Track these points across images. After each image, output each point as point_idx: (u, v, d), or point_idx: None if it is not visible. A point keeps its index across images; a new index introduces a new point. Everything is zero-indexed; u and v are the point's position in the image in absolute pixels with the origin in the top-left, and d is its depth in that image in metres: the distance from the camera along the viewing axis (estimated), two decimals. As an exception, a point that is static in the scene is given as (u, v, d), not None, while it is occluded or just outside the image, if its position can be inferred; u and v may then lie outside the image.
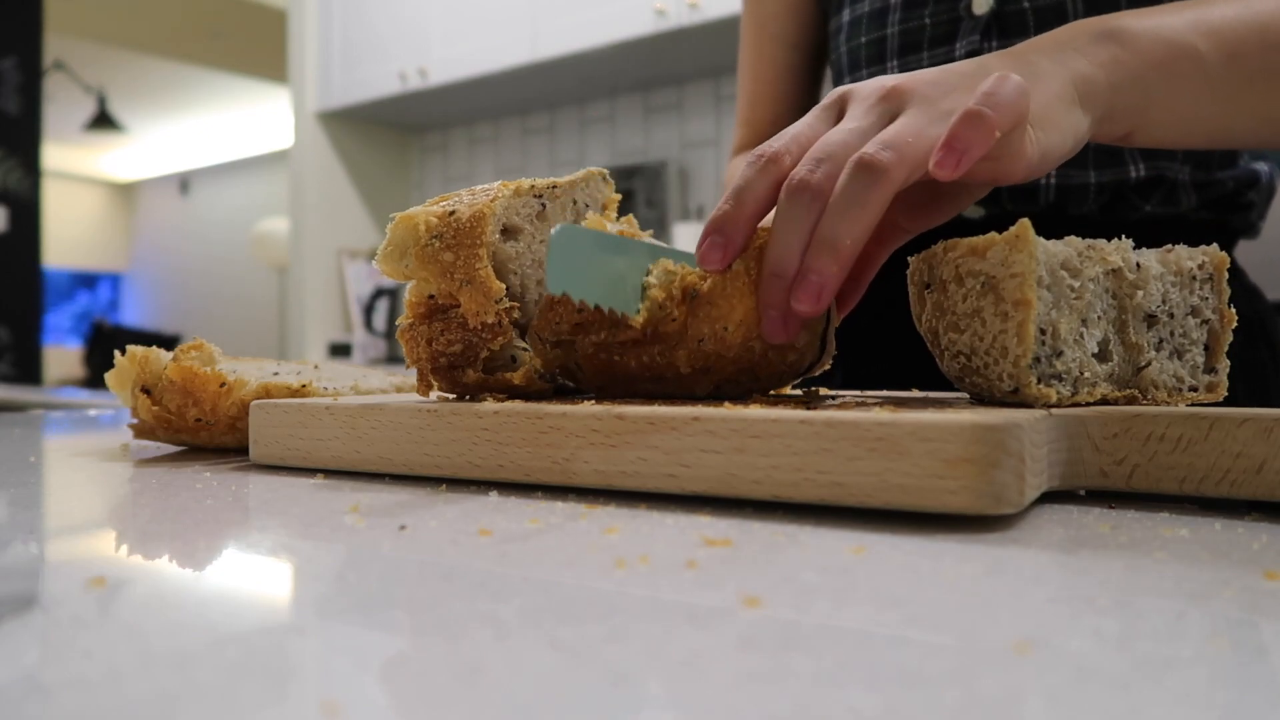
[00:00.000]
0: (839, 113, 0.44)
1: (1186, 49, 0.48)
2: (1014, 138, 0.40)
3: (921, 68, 0.73)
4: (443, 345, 0.46)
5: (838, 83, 0.84)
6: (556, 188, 0.50)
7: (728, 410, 0.35)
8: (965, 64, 0.44)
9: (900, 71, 0.74)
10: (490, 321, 0.44)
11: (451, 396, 0.48)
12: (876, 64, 0.77)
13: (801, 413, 0.33)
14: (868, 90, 0.43)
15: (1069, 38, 0.47)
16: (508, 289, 0.46)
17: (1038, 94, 0.43)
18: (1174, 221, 0.72)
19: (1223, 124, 0.52)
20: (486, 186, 0.47)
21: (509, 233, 0.47)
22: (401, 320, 0.48)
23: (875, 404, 0.39)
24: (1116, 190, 0.71)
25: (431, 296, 0.46)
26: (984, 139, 0.38)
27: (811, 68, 0.90)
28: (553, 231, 0.39)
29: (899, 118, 0.41)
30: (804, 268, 0.39)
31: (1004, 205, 0.73)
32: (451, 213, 0.46)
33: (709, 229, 0.41)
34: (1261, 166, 0.74)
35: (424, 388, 0.48)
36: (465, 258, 0.44)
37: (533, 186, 0.48)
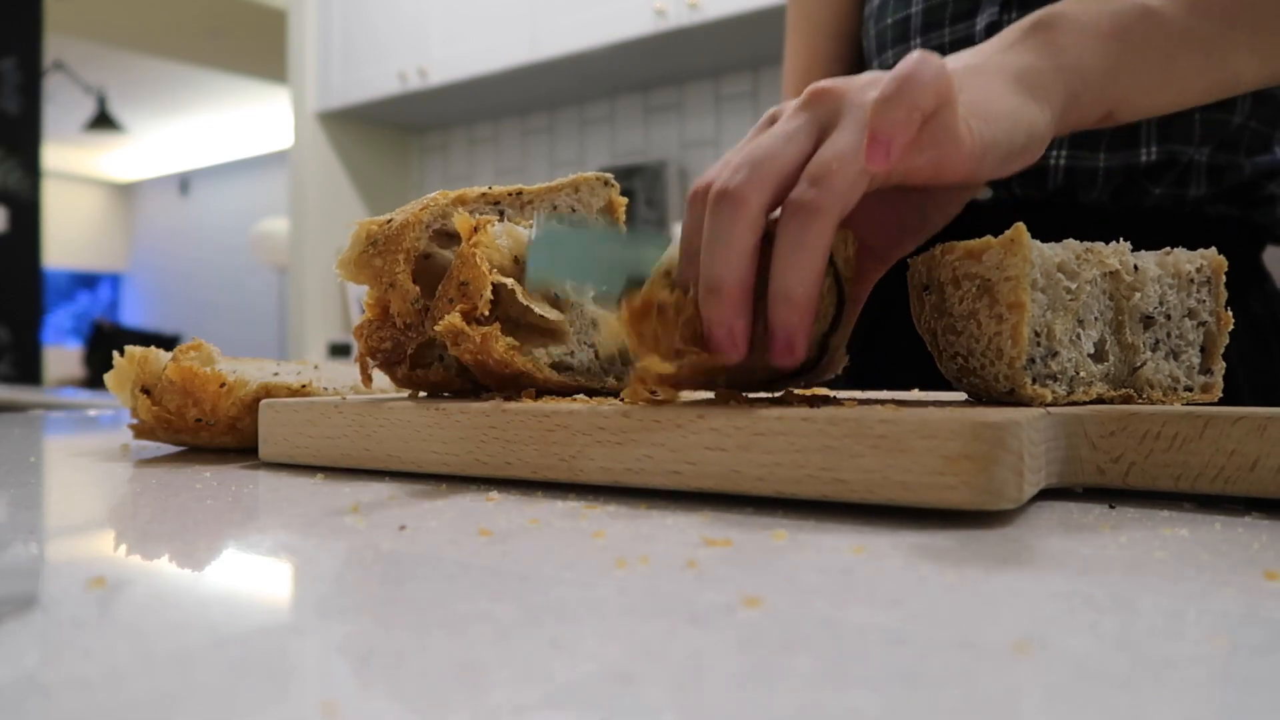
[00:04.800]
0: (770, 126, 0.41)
1: (1135, 10, 0.46)
2: (944, 121, 0.37)
3: (943, 44, 0.74)
4: (375, 342, 0.49)
5: (868, 67, 0.83)
6: (523, 194, 0.51)
7: (733, 408, 0.35)
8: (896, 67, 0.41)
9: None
10: (411, 322, 0.47)
11: (411, 393, 0.51)
12: (900, 43, 0.77)
13: (805, 410, 0.34)
14: (795, 100, 0.40)
15: (1002, 38, 0.45)
16: None
17: (975, 87, 0.41)
18: (1191, 217, 0.70)
19: (1216, 75, 0.48)
20: (433, 195, 0.49)
21: (451, 239, 0.49)
22: (361, 318, 0.51)
23: (877, 403, 0.39)
24: (1127, 174, 0.69)
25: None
26: (905, 120, 0.35)
27: (857, 59, 0.88)
28: (535, 223, 0.42)
29: (830, 133, 0.38)
30: (770, 325, 0.37)
31: (1013, 189, 0.72)
32: (389, 220, 0.49)
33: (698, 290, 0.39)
34: None
35: (365, 380, 0.51)
36: (389, 263, 0.47)
37: (484, 195, 0.50)
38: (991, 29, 0.70)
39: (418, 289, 0.47)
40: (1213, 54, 0.48)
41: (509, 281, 0.44)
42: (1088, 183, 0.70)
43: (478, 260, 0.44)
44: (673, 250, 0.41)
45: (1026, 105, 0.42)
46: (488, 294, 0.43)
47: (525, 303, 0.45)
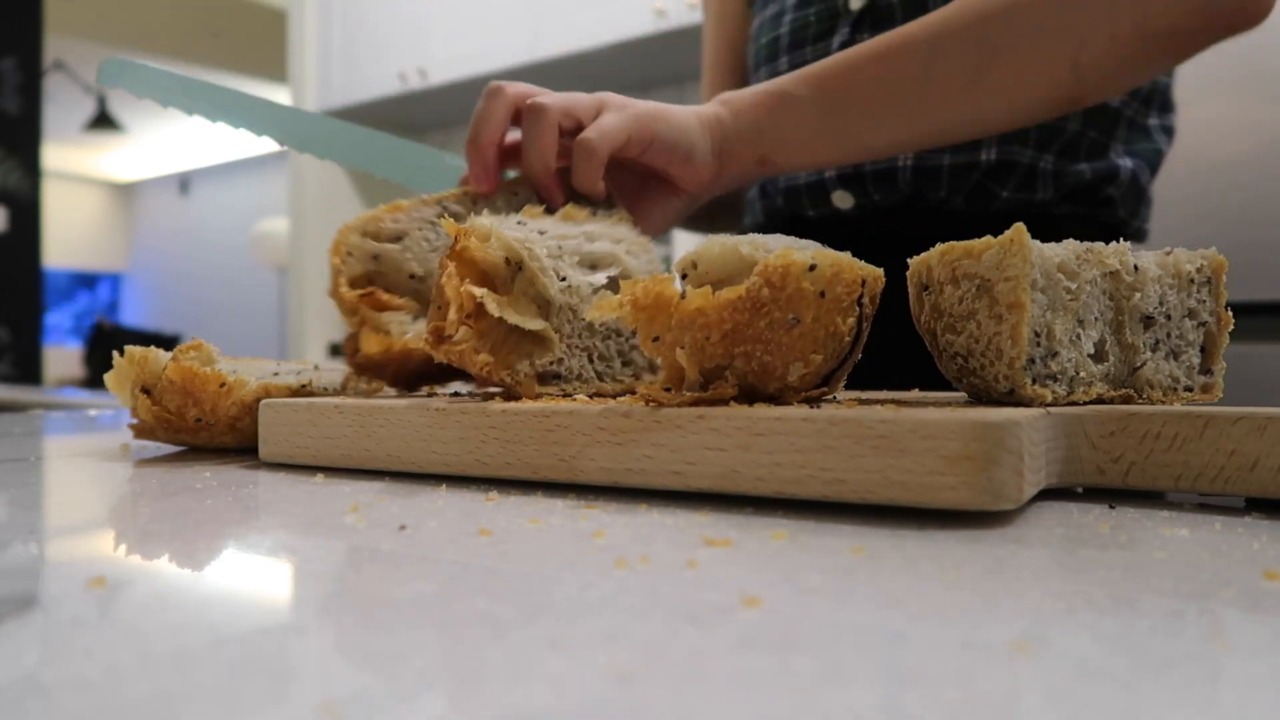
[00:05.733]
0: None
1: (779, 92, 0.64)
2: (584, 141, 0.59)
3: (805, 60, 0.82)
4: (351, 349, 0.55)
5: (753, 78, 0.90)
6: (467, 195, 0.59)
7: (733, 409, 0.35)
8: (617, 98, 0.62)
9: (790, 67, 0.84)
10: (377, 358, 0.54)
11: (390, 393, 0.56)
12: (771, 60, 0.85)
13: (805, 410, 0.34)
14: (588, 98, 0.62)
15: (704, 104, 0.66)
16: (424, 276, 0.57)
17: (674, 112, 0.62)
18: (1040, 218, 0.76)
19: (840, 143, 0.65)
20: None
21: (398, 239, 0.57)
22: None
23: (877, 403, 0.39)
24: (970, 174, 0.75)
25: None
26: (594, 166, 0.59)
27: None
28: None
29: (602, 113, 0.62)
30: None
31: (871, 196, 0.79)
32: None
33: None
34: (1125, 162, 0.77)
35: (367, 390, 0.56)
36: (335, 284, 0.56)
37: (422, 200, 0.58)
38: (844, 47, 0.78)
39: (355, 294, 0.54)
40: (833, 126, 0.64)
41: (480, 293, 0.44)
42: (934, 182, 0.76)
43: (453, 273, 0.44)
44: (697, 252, 0.40)
45: (698, 132, 0.63)
46: (453, 315, 0.44)
47: (498, 314, 0.44)
